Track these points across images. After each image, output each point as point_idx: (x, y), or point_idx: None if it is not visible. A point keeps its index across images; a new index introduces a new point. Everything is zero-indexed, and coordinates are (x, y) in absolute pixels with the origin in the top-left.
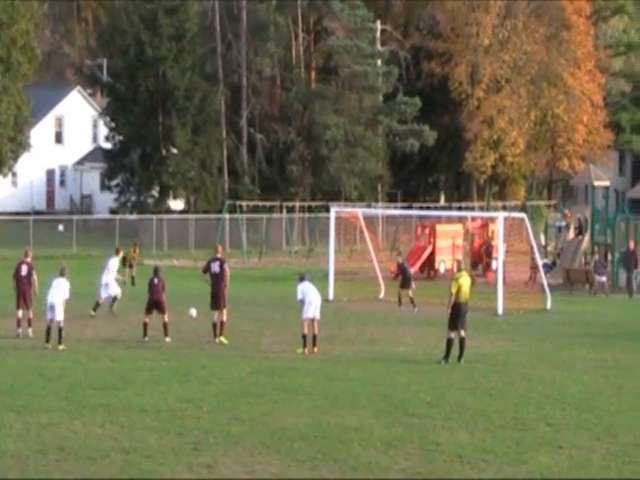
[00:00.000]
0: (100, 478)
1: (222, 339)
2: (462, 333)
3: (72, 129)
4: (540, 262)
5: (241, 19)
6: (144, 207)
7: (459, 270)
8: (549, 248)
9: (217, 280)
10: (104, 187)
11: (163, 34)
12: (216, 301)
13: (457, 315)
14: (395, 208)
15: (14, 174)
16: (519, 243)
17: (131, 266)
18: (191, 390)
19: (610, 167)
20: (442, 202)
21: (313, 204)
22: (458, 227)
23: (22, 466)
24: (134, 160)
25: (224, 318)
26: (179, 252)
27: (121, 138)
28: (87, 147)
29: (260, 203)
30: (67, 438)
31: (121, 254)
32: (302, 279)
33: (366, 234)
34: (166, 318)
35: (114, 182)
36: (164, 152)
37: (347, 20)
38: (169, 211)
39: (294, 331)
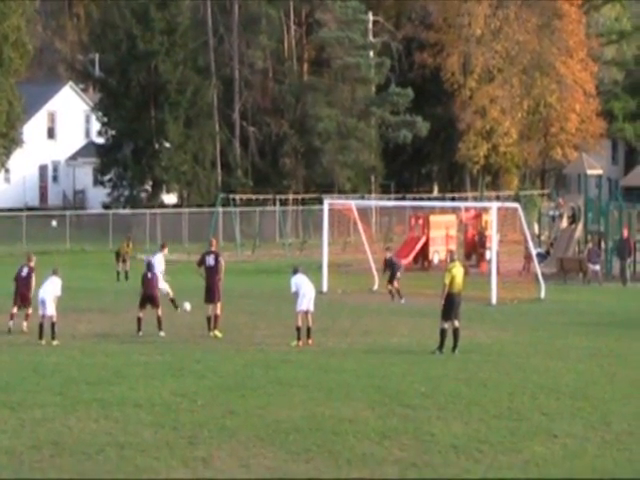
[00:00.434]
0: (96, 478)
1: (216, 333)
2: (456, 324)
3: (64, 124)
4: (534, 251)
5: (233, 12)
6: (137, 202)
7: (452, 261)
8: (543, 237)
9: (212, 273)
10: (97, 182)
11: (155, 28)
12: (211, 294)
13: (451, 306)
14: (388, 199)
15: (7, 170)
16: (513, 233)
17: (124, 261)
18: (185, 384)
19: (603, 155)
20: (435, 193)
21: (306, 196)
22: (451, 218)
23: (16, 462)
24: (127, 155)
25: (218, 312)
26: (172, 246)
27: (113, 133)
28: (80, 142)
29: (253, 196)
30: (61, 433)
31: (166, 250)
32: (295, 271)
33: (360, 226)
34: (160, 312)
35: (107, 177)
36: (157, 146)
37: (339, 12)
38: (162, 205)
39: (288, 324)
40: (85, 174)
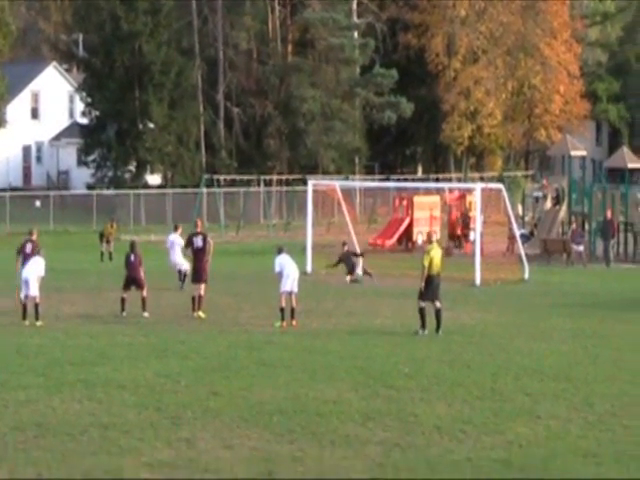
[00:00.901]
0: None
1: (200, 314)
2: (437, 304)
3: (48, 105)
4: (517, 233)
5: None
6: (121, 182)
7: (430, 242)
8: (527, 218)
9: (200, 254)
10: (81, 163)
11: (139, 9)
12: (197, 275)
13: (430, 287)
14: (372, 180)
15: None
16: (497, 214)
17: (108, 241)
18: (169, 365)
19: (587, 137)
20: (419, 174)
21: (290, 177)
22: (436, 199)
23: (0, 443)
24: (111, 135)
25: (202, 292)
26: (156, 227)
27: (97, 113)
28: (63, 123)
29: (237, 177)
30: (45, 414)
31: (180, 230)
32: (280, 251)
33: (344, 207)
34: (145, 293)
35: (91, 158)
36: (141, 127)
37: None
38: (146, 186)
39: (272, 305)
40: (69, 155)
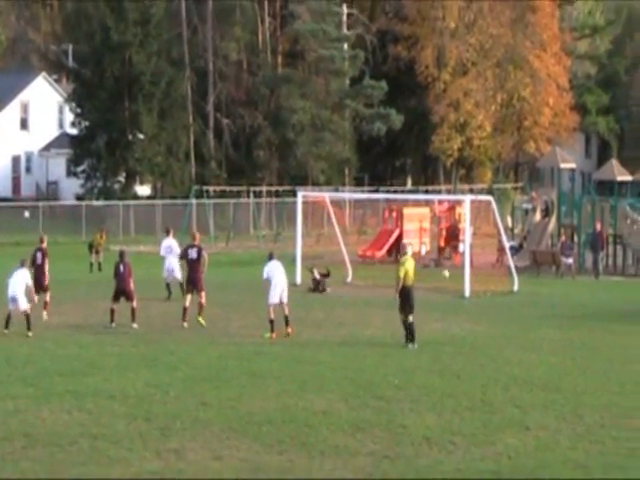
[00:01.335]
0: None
1: (201, 320)
2: (410, 318)
3: (38, 115)
4: (507, 244)
5: (207, 3)
6: (110, 193)
7: (404, 254)
8: (516, 230)
9: (194, 266)
10: (70, 173)
11: (129, 19)
12: (191, 285)
13: (407, 298)
14: (362, 192)
15: None
16: (486, 226)
17: (97, 252)
18: (159, 376)
19: (576, 149)
20: (409, 185)
21: (280, 188)
22: (425, 210)
23: None
24: (100, 146)
25: (203, 301)
26: (146, 238)
27: (87, 124)
28: (53, 133)
29: (227, 188)
30: (34, 425)
31: (171, 233)
32: (271, 257)
33: (333, 218)
34: (134, 304)
35: (80, 168)
36: (130, 137)
37: (313, 4)
38: (136, 197)
39: (262, 315)
40: (58, 165)
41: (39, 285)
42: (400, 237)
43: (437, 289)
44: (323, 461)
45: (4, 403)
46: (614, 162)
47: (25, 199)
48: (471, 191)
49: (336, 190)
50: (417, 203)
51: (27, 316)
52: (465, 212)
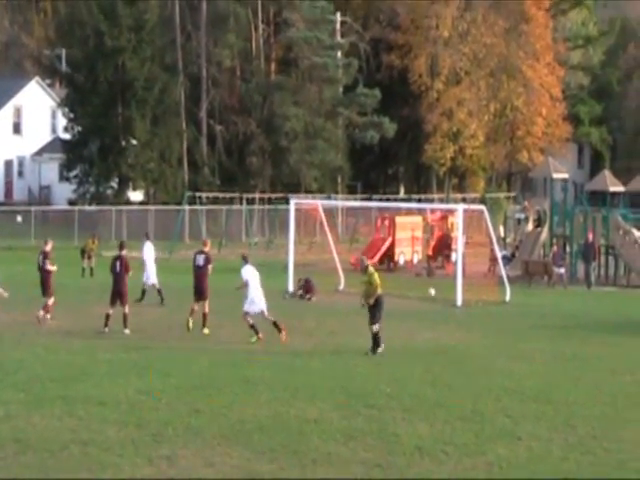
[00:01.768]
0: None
1: (205, 330)
2: (376, 328)
3: (30, 120)
4: (499, 254)
5: (201, 10)
6: (103, 198)
7: (366, 268)
8: (508, 240)
9: (200, 273)
10: (63, 178)
11: (122, 25)
12: (199, 293)
13: (381, 307)
14: (355, 200)
15: None
16: (478, 235)
17: (90, 257)
18: (150, 382)
19: (569, 159)
20: (402, 194)
21: (273, 196)
22: (418, 219)
23: None
24: (93, 151)
25: (206, 310)
26: (138, 244)
27: (80, 129)
28: (46, 138)
29: (220, 195)
30: (25, 431)
31: (150, 239)
32: (245, 261)
33: (326, 226)
34: (126, 310)
35: (73, 173)
36: (123, 143)
37: (307, 12)
38: (128, 202)
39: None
40: (51, 170)
41: (43, 289)
42: (392, 246)
43: (428, 298)
44: (315, 469)
45: None
46: (607, 173)
47: (17, 204)
48: (464, 200)
49: (329, 198)
50: (410, 212)
51: None
52: (457, 221)
